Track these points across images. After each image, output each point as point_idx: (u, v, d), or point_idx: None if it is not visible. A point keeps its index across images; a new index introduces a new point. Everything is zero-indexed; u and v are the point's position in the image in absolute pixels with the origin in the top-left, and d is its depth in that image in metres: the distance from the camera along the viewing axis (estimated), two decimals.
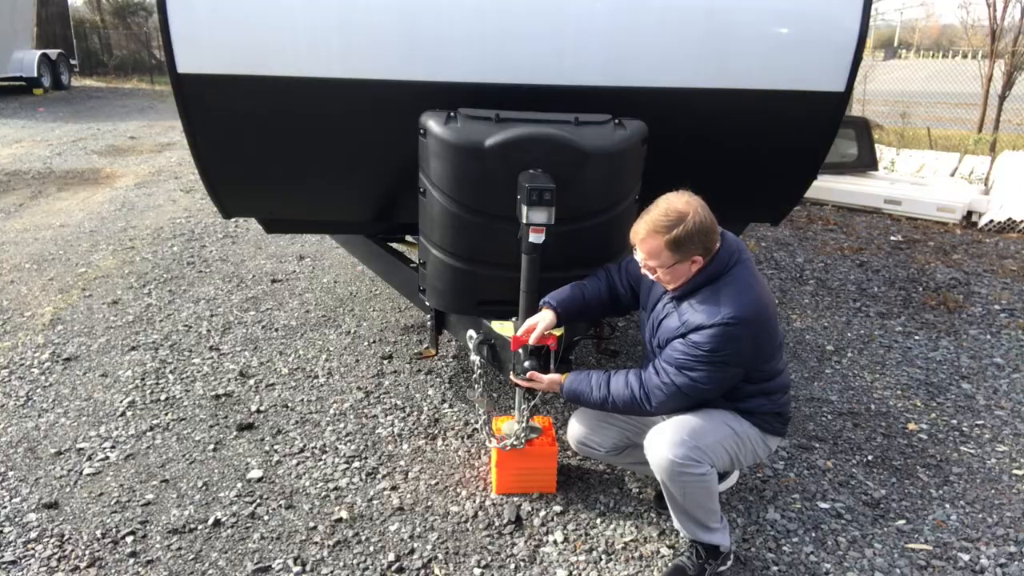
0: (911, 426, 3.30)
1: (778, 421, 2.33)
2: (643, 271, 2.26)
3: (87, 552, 2.39)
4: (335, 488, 2.75)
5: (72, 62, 19.13)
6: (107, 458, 2.90)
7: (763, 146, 3.07)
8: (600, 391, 2.29)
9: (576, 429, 2.59)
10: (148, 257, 5.41)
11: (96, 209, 6.82)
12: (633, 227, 2.20)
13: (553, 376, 2.40)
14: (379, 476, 2.83)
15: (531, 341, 2.41)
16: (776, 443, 2.38)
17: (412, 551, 2.43)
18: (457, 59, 2.68)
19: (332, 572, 2.34)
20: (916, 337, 4.28)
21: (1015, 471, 2.97)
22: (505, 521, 2.57)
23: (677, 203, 2.12)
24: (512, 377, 2.49)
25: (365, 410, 3.30)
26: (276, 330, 4.13)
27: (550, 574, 2.36)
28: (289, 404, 3.34)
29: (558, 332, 2.56)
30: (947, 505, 2.75)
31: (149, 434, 3.07)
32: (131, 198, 7.28)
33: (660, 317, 2.31)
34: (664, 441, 2.18)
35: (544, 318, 2.42)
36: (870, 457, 3.05)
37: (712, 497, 2.24)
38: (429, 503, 2.67)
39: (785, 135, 3.05)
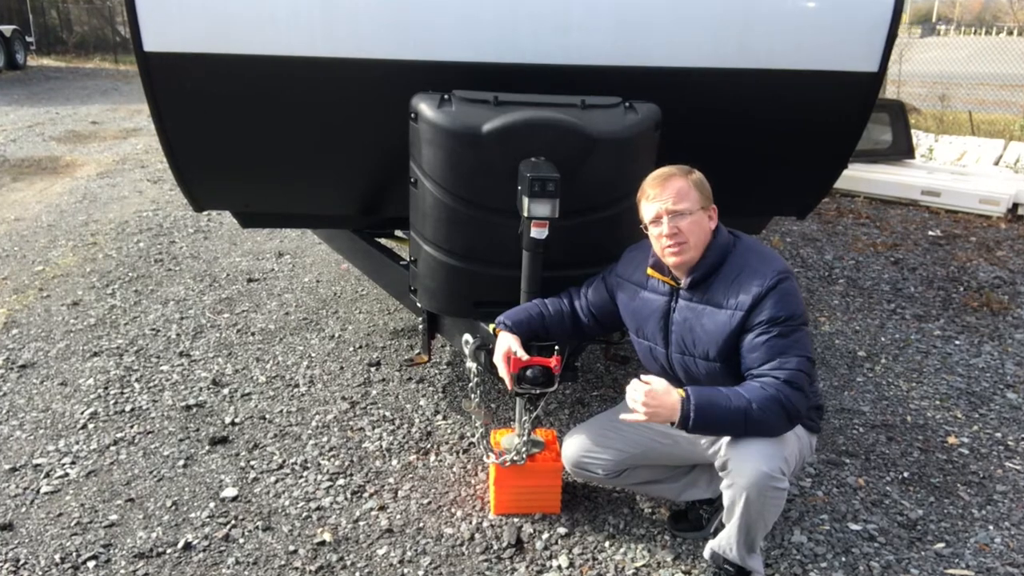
0: (951, 440, 3.31)
1: (818, 415, 2.40)
2: (664, 239, 2.22)
3: None
4: (317, 508, 2.75)
5: (28, 39, 19.12)
6: (67, 475, 2.90)
7: (788, 132, 3.07)
8: (737, 400, 2.11)
9: (573, 448, 2.56)
10: (112, 254, 5.42)
11: (54, 201, 6.82)
12: (647, 183, 2.28)
13: (669, 395, 2.15)
14: (366, 495, 2.83)
15: (515, 357, 2.39)
16: (815, 441, 2.42)
17: None
18: (452, 36, 2.68)
19: None
20: (956, 342, 4.28)
21: None
22: (504, 544, 2.57)
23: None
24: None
25: (350, 422, 3.31)
26: (253, 334, 4.14)
27: None
28: (267, 416, 3.34)
29: None
30: (991, 527, 2.75)
31: (113, 449, 3.07)
32: (93, 189, 7.29)
33: (690, 323, 2.29)
34: (755, 453, 2.13)
35: (509, 340, 2.42)
36: (906, 474, 3.05)
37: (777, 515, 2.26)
38: (421, 524, 2.68)
39: (813, 120, 3.05)
